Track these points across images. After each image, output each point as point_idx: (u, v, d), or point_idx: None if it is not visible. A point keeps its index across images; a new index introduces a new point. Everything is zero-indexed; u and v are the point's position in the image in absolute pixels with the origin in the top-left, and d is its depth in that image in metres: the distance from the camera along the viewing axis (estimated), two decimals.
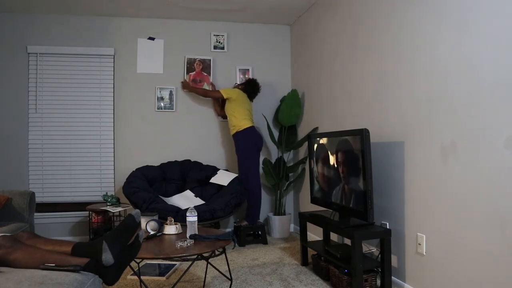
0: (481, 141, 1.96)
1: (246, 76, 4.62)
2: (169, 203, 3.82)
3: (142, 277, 2.85)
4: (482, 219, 1.96)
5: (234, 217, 4.44)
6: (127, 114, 4.37)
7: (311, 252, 3.36)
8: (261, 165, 4.37)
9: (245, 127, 4.02)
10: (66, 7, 4.04)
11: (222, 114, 4.39)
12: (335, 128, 3.54)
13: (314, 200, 3.32)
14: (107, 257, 1.57)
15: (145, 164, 4.27)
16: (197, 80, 4.46)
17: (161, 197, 3.94)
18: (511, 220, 1.80)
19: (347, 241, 3.16)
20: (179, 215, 3.45)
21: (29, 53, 4.16)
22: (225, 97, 4.12)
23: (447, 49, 2.19)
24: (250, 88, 4.27)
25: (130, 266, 1.93)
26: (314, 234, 3.98)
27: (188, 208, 2.56)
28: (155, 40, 4.43)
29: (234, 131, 4.09)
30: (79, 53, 4.25)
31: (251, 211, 4.04)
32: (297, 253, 3.56)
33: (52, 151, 4.21)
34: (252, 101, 4.35)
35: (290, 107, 4.30)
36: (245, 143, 4.03)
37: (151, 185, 4.06)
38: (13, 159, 4.11)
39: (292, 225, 4.57)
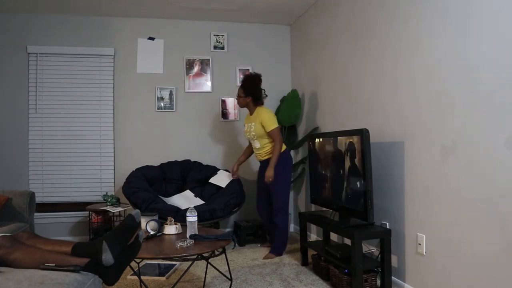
0: (481, 141, 1.96)
1: None
2: (168, 203, 3.82)
3: (142, 277, 2.85)
4: (482, 219, 1.96)
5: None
6: (127, 114, 4.37)
7: (311, 252, 3.37)
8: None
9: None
10: (66, 7, 4.04)
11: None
12: (335, 128, 3.54)
13: (314, 200, 3.32)
14: (107, 257, 1.57)
15: (145, 164, 4.27)
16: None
17: (161, 197, 3.94)
18: (511, 220, 1.80)
19: (347, 241, 3.16)
20: (179, 215, 3.44)
21: (29, 53, 4.16)
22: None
23: (448, 49, 2.19)
24: (252, 88, 3.52)
25: (130, 266, 1.93)
26: (314, 234, 3.98)
27: (188, 208, 2.56)
28: (155, 40, 4.43)
29: None
30: (79, 53, 4.25)
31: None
32: (297, 253, 3.56)
33: (52, 151, 4.21)
34: (263, 102, 3.61)
35: (290, 107, 4.30)
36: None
37: (151, 185, 4.06)
38: (13, 159, 4.11)
39: (292, 225, 4.57)
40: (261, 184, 3.63)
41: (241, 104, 3.61)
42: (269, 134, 3.46)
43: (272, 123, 3.44)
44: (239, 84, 4.58)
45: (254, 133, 3.52)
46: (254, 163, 4.46)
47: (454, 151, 2.14)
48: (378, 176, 2.83)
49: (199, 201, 3.95)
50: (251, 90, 3.51)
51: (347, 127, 3.30)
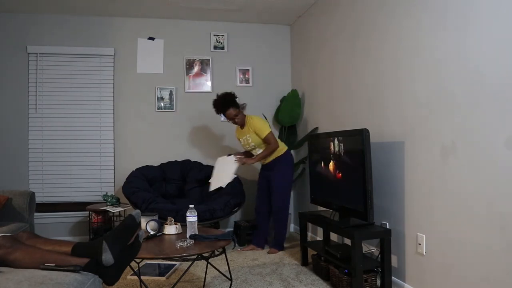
0: (481, 141, 1.96)
1: (246, 76, 4.62)
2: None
3: (142, 277, 2.85)
4: (482, 219, 1.96)
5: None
6: (127, 114, 4.37)
7: (311, 252, 3.36)
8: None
9: None
10: (66, 7, 4.04)
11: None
12: (335, 128, 3.54)
13: (314, 200, 3.32)
14: (107, 257, 1.57)
15: (145, 164, 4.26)
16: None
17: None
18: (511, 220, 1.80)
19: (347, 241, 3.15)
20: (179, 215, 3.45)
21: (29, 53, 4.16)
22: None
23: (447, 49, 2.19)
24: (234, 101, 3.60)
25: (130, 266, 1.93)
26: (314, 234, 3.98)
27: (188, 208, 2.57)
28: (155, 40, 4.43)
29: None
30: (79, 53, 4.25)
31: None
32: (297, 253, 3.56)
33: (52, 151, 4.21)
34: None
35: (290, 107, 4.31)
36: None
37: (151, 185, 4.06)
38: (13, 159, 4.11)
39: (292, 225, 4.57)
40: (262, 184, 3.73)
41: (241, 122, 3.61)
42: (264, 140, 3.56)
43: (265, 129, 3.55)
44: (239, 84, 4.59)
45: (253, 144, 3.63)
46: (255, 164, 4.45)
47: (454, 151, 2.14)
48: (378, 176, 2.83)
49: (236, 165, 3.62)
50: (235, 103, 3.55)
51: (347, 127, 3.30)
